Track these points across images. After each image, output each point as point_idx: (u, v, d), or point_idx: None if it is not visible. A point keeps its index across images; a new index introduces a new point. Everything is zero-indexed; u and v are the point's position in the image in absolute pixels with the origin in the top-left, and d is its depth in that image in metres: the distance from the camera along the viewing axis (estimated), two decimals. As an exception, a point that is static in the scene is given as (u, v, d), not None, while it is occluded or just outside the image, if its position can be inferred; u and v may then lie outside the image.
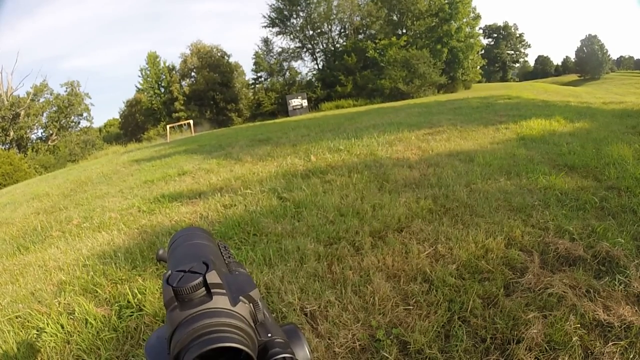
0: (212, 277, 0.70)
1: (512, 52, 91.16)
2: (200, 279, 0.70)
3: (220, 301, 0.69)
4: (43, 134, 48.13)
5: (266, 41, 58.30)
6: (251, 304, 0.74)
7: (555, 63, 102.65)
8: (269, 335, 0.76)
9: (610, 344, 2.60)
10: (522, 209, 4.83)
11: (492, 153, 7.75)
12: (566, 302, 3.00)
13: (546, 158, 7.06)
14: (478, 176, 6.25)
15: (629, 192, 5.01)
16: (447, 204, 5.28)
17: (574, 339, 2.63)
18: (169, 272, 0.72)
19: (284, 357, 0.73)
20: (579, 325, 2.76)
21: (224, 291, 0.71)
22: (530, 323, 2.81)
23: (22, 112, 44.76)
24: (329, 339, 2.96)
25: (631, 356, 2.50)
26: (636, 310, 2.88)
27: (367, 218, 5.08)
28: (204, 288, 0.70)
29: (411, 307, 3.21)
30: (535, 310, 2.96)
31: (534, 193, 5.32)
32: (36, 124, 47.18)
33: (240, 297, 0.72)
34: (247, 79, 60.23)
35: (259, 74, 59.10)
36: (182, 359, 0.63)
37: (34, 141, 46.94)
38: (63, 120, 48.86)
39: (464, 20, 50.63)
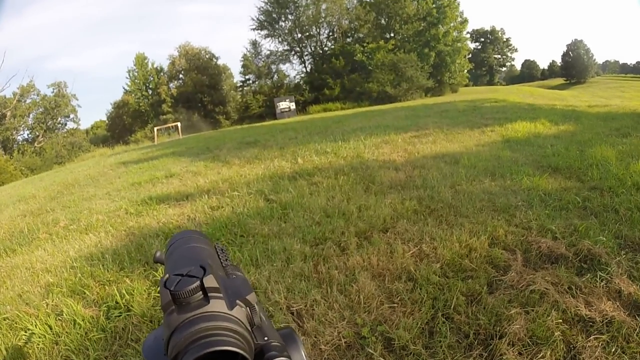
0: (209, 281, 0.70)
1: (499, 56, 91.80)
2: (198, 282, 0.69)
3: (217, 305, 0.69)
4: (29, 135, 47.67)
5: (254, 44, 58.13)
6: (248, 308, 0.74)
7: (541, 67, 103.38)
8: (266, 338, 0.75)
9: (591, 338, 2.66)
10: (506, 209, 4.89)
11: (477, 155, 7.83)
12: (548, 299, 3.06)
13: (530, 160, 7.15)
14: (463, 178, 6.32)
15: (611, 192, 5.09)
16: (432, 205, 5.33)
17: (556, 333, 2.69)
18: (167, 275, 0.72)
19: None
20: (561, 321, 2.81)
21: (221, 295, 0.71)
22: (512, 319, 2.86)
23: (8, 113, 44.32)
24: (315, 337, 2.99)
25: (612, 350, 2.55)
26: (617, 306, 2.94)
27: (352, 219, 5.12)
28: (201, 292, 0.69)
29: (396, 305, 3.25)
30: (518, 306, 3.01)
31: (517, 194, 5.39)
32: (22, 125, 46.74)
33: (237, 301, 0.72)
34: (235, 81, 59.97)
35: (247, 77, 58.91)
36: None
37: (20, 143, 46.43)
38: (50, 122, 48.40)
39: (452, 24, 50.96)
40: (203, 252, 0.91)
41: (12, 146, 45.09)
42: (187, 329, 0.65)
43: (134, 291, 3.99)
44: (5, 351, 3.51)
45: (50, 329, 3.65)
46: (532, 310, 2.95)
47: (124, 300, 3.88)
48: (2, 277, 5.25)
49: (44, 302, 4.16)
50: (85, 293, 4.22)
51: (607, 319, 2.81)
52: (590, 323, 2.81)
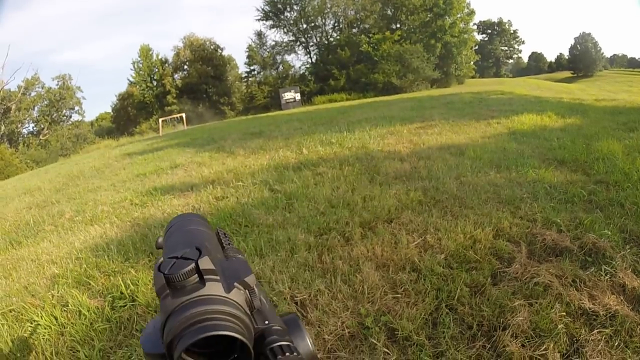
0: (205, 263, 0.67)
1: (506, 48, 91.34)
2: (192, 265, 0.67)
3: (214, 288, 0.67)
4: (34, 128, 47.88)
5: (260, 34, 57.99)
6: (247, 291, 0.71)
7: (548, 60, 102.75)
8: (266, 322, 0.73)
9: (595, 331, 2.66)
10: (511, 201, 4.88)
11: (483, 147, 7.80)
12: (552, 291, 3.05)
13: (536, 152, 7.12)
14: (468, 169, 6.31)
15: (617, 186, 5.06)
16: (436, 196, 5.33)
17: (559, 326, 2.69)
18: (161, 259, 0.70)
19: (280, 346, 0.69)
20: (564, 314, 2.81)
21: (218, 277, 0.68)
22: (516, 311, 2.87)
23: (13, 107, 44.48)
24: (319, 327, 3.00)
25: (616, 344, 2.55)
26: (621, 300, 2.94)
27: (357, 209, 5.12)
28: (196, 275, 0.67)
29: (399, 296, 3.26)
30: (522, 298, 3.02)
31: (523, 186, 5.37)
32: (27, 118, 46.96)
33: (235, 284, 0.69)
34: (240, 72, 59.91)
35: (252, 68, 58.78)
36: (174, 347, 0.61)
37: (25, 136, 46.66)
38: (54, 114, 48.55)
39: (458, 15, 50.73)
40: (200, 235, 0.90)
41: (18, 139, 45.32)
42: (182, 313, 0.63)
43: (138, 281, 4.01)
44: (11, 342, 3.53)
45: (56, 319, 3.68)
46: (536, 303, 2.95)
47: (128, 291, 3.91)
48: (8, 269, 5.29)
49: (49, 293, 4.19)
50: (90, 284, 4.24)
51: (610, 312, 2.80)
52: (594, 316, 2.80)
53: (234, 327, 0.64)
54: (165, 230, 0.96)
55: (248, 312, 0.70)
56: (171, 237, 0.91)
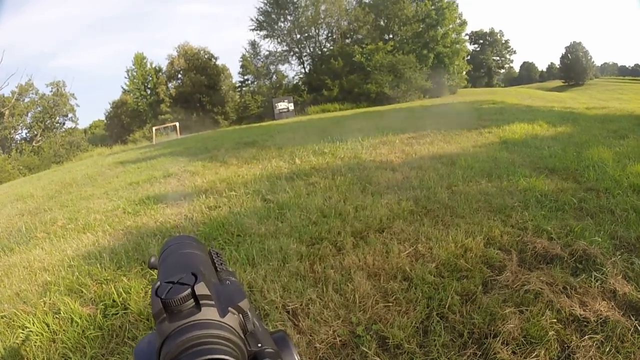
0: (201, 289, 0.69)
1: (498, 58, 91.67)
2: (189, 290, 0.69)
3: (209, 313, 0.69)
4: (27, 134, 47.48)
5: (253, 44, 57.94)
6: (240, 315, 0.73)
7: (540, 69, 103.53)
8: (259, 345, 0.74)
9: (586, 337, 2.69)
10: (502, 209, 4.92)
11: (474, 156, 7.86)
12: (543, 298, 3.08)
13: (527, 161, 7.18)
14: (459, 178, 6.35)
15: (607, 193, 5.13)
16: (428, 205, 5.36)
17: (550, 333, 2.71)
18: (158, 283, 0.72)
19: None
20: (555, 320, 2.84)
21: (213, 302, 0.70)
22: (507, 318, 2.89)
23: (7, 112, 44.20)
24: (311, 335, 3.01)
25: (607, 349, 2.58)
26: (612, 306, 2.97)
27: (349, 219, 5.15)
28: (192, 299, 0.69)
29: (391, 304, 3.27)
30: (512, 306, 3.04)
31: (514, 195, 5.42)
32: (21, 124, 46.57)
33: (229, 308, 0.72)
34: (233, 81, 59.70)
35: (245, 77, 58.66)
36: None
37: (18, 142, 46.31)
38: (48, 121, 48.23)
39: (450, 26, 50.90)
40: (195, 259, 0.91)
41: (10, 145, 44.97)
42: (178, 338, 0.65)
43: (131, 290, 4.01)
44: (3, 349, 3.52)
45: (48, 327, 3.67)
46: (527, 310, 2.97)
47: (121, 299, 3.90)
48: (0, 276, 5.26)
49: (41, 300, 4.18)
50: (82, 291, 4.23)
51: (601, 318, 2.84)
52: (585, 323, 2.83)
53: (228, 350, 0.65)
54: (160, 252, 0.97)
55: (242, 335, 0.72)
56: (166, 260, 0.92)
